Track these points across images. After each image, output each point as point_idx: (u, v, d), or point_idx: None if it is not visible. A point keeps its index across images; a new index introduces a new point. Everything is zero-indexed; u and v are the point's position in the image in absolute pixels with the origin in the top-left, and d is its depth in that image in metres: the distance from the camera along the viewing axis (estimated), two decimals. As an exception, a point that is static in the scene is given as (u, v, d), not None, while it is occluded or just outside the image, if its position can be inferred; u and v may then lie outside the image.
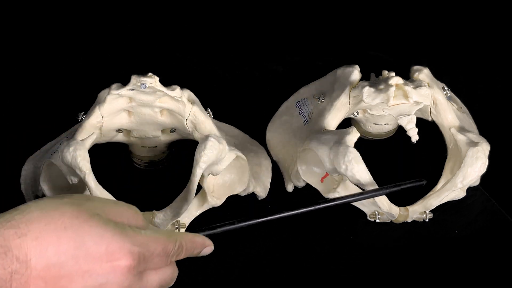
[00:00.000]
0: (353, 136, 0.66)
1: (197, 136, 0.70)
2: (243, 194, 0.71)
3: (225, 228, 0.57)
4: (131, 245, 0.46)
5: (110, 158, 0.76)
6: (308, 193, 0.73)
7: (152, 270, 0.48)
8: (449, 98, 0.75)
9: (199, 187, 0.66)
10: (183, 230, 0.68)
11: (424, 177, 0.75)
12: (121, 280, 0.45)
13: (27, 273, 0.43)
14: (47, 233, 0.44)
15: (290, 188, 0.74)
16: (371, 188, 0.65)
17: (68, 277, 0.44)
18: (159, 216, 0.65)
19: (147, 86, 0.64)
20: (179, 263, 0.52)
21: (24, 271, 0.43)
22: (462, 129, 0.72)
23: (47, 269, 0.43)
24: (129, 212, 0.50)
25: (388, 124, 0.76)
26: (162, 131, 0.72)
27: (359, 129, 0.77)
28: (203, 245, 0.53)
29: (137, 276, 0.47)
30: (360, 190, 0.69)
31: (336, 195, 0.70)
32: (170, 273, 0.50)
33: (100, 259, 0.45)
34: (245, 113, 0.85)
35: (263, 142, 0.80)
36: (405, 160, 0.79)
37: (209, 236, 0.55)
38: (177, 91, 0.66)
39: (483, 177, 0.73)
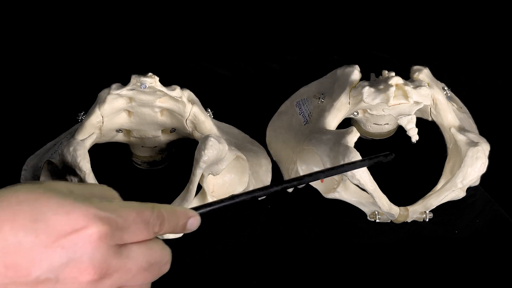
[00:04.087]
0: (353, 136, 0.66)
1: (197, 136, 0.70)
2: (243, 194, 0.71)
3: (216, 206, 0.49)
4: (97, 210, 0.40)
5: (110, 158, 0.76)
6: (308, 193, 0.73)
7: (133, 244, 0.42)
8: (449, 98, 0.75)
9: (199, 187, 0.66)
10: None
11: (424, 177, 0.75)
12: (92, 252, 0.40)
13: None
14: (1, 211, 0.39)
15: (290, 188, 0.74)
16: (370, 188, 0.65)
17: (29, 256, 0.39)
18: (159, 216, 0.65)
19: (147, 86, 0.64)
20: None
21: None
22: (462, 129, 0.72)
23: (5, 249, 0.39)
24: (98, 189, 0.45)
25: (388, 124, 0.76)
26: (162, 131, 0.72)
27: (359, 129, 0.77)
28: (186, 216, 0.46)
29: (112, 248, 0.41)
30: (361, 190, 0.69)
31: (336, 195, 0.71)
32: (159, 249, 0.44)
33: (63, 229, 0.39)
34: (245, 113, 0.85)
35: (263, 142, 0.80)
36: (405, 160, 0.79)
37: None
38: (177, 91, 0.66)
39: (483, 177, 0.73)
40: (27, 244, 0.39)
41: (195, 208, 0.47)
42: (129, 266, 0.42)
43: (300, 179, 0.52)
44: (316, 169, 0.72)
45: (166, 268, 0.45)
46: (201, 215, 0.47)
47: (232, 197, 0.49)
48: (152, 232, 0.43)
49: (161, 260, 0.44)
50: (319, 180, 0.72)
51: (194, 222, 0.46)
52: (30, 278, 0.39)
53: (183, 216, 0.46)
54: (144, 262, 0.43)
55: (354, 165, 0.56)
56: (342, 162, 0.64)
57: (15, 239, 0.39)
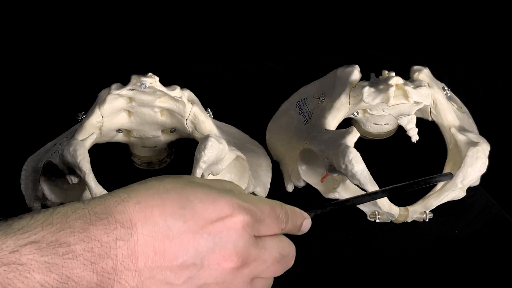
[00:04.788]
0: (353, 136, 0.66)
1: (197, 136, 0.70)
2: (243, 194, 0.71)
3: (321, 210, 0.53)
4: (240, 201, 0.42)
5: (110, 158, 0.76)
6: (308, 193, 0.73)
7: (267, 236, 0.44)
8: (449, 98, 0.75)
9: (199, 187, 0.66)
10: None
11: (424, 177, 0.75)
12: (236, 239, 0.41)
13: (133, 240, 0.40)
14: (149, 197, 0.41)
15: (290, 188, 0.74)
16: (371, 188, 0.65)
17: (178, 241, 0.40)
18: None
19: (147, 86, 0.64)
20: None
21: (129, 237, 0.40)
22: (462, 129, 0.72)
23: (154, 234, 0.40)
24: (229, 184, 0.47)
25: (388, 124, 0.76)
26: (162, 131, 0.72)
27: (359, 129, 0.77)
28: (303, 217, 0.49)
29: (252, 238, 0.43)
30: (361, 190, 0.69)
31: (336, 195, 0.71)
32: (288, 243, 0.46)
33: (210, 216, 0.41)
34: (245, 113, 0.85)
35: (263, 142, 0.80)
36: (405, 160, 0.79)
37: None
38: (177, 91, 0.66)
39: (483, 177, 0.73)
40: (176, 229, 0.40)
41: (309, 211, 0.51)
42: (265, 257, 0.44)
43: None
44: (316, 169, 0.72)
45: (292, 262, 0.47)
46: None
47: (344, 201, 0.55)
48: (281, 227, 0.46)
49: (290, 253, 0.46)
50: (319, 180, 0.72)
51: (307, 224, 0.50)
52: (177, 262, 0.41)
53: (301, 216, 0.49)
54: (277, 254, 0.45)
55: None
56: (342, 163, 0.64)
57: (164, 224, 0.40)
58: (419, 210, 0.70)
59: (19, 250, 0.38)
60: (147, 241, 0.40)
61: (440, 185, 0.71)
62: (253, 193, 0.72)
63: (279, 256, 0.45)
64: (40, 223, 0.39)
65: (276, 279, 0.65)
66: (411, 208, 0.70)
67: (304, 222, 0.49)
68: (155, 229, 0.40)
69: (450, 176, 0.65)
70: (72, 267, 0.38)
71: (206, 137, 0.63)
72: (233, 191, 0.44)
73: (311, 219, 0.51)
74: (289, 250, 0.47)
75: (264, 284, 0.46)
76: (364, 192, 0.59)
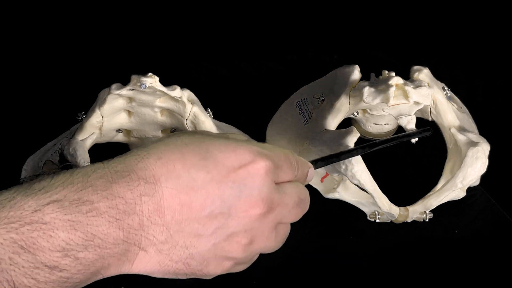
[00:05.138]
0: (353, 136, 0.66)
1: (197, 136, 0.70)
2: (243, 194, 0.71)
3: (325, 161, 0.55)
4: (259, 148, 0.42)
5: (110, 158, 0.76)
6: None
7: (285, 182, 0.45)
8: (449, 98, 0.75)
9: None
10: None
11: (424, 177, 0.75)
12: (260, 184, 0.41)
13: (158, 195, 0.39)
14: (169, 152, 0.41)
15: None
16: (370, 188, 0.65)
17: (203, 192, 0.40)
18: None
19: (147, 86, 0.64)
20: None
21: (153, 192, 0.39)
22: (462, 129, 0.72)
23: (179, 186, 0.40)
24: (242, 136, 0.48)
25: (388, 124, 0.76)
26: (162, 131, 0.72)
27: (359, 129, 0.77)
28: (308, 165, 0.49)
29: (274, 184, 0.43)
30: (361, 190, 0.69)
31: (336, 195, 0.71)
32: (303, 187, 0.47)
33: (232, 164, 0.41)
34: (245, 113, 0.85)
35: (263, 142, 0.80)
36: (405, 160, 0.79)
37: None
38: (177, 91, 0.66)
39: (483, 177, 0.73)
40: (200, 180, 0.40)
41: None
42: (286, 201, 0.44)
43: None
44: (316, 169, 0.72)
45: (307, 205, 0.48)
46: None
47: (341, 153, 0.56)
48: (294, 174, 0.46)
49: (306, 196, 0.47)
50: (319, 180, 0.72)
51: (312, 173, 0.50)
52: (204, 213, 0.40)
53: (306, 165, 0.49)
54: (296, 198, 0.45)
55: (394, 140, 0.61)
56: (342, 163, 0.64)
57: (188, 176, 0.40)
58: (419, 210, 0.70)
59: (42, 210, 0.37)
60: (172, 194, 0.40)
61: (440, 185, 0.71)
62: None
63: (298, 200, 0.45)
64: (61, 183, 0.39)
65: (275, 280, 0.65)
66: (411, 208, 0.70)
67: (309, 171, 0.49)
68: (179, 182, 0.40)
69: (429, 130, 0.65)
70: (97, 224, 0.38)
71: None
72: (250, 141, 0.44)
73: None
74: (305, 194, 0.47)
75: (286, 230, 0.46)
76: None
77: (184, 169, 0.40)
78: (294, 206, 0.45)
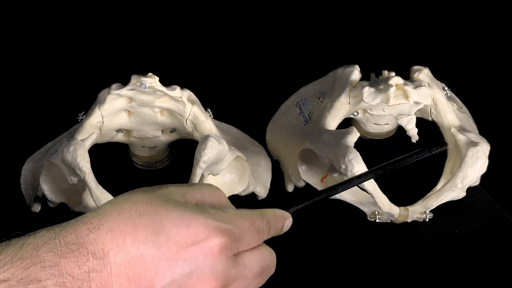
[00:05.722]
0: (353, 136, 0.66)
1: (197, 136, 0.70)
2: (243, 194, 0.71)
3: (302, 204, 0.52)
4: (216, 222, 0.40)
5: (110, 158, 0.76)
6: (308, 193, 0.72)
7: (246, 251, 0.43)
8: (449, 98, 0.75)
9: (199, 187, 0.66)
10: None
11: (424, 177, 0.75)
12: (214, 264, 0.40)
13: (106, 271, 0.38)
14: (122, 223, 0.39)
15: (290, 188, 0.74)
16: (370, 188, 0.65)
17: (152, 269, 0.39)
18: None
19: (147, 86, 0.64)
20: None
21: (102, 268, 0.38)
22: (462, 129, 0.72)
23: (128, 262, 0.39)
24: (208, 191, 0.45)
25: (388, 124, 0.76)
26: (162, 131, 0.72)
27: (359, 129, 0.77)
28: (284, 218, 0.47)
29: (231, 259, 0.41)
30: (361, 190, 0.69)
31: (336, 195, 0.71)
32: (268, 253, 0.45)
33: (184, 241, 0.39)
34: (245, 113, 0.85)
35: (263, 142, 0.80)
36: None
37: None
38: (177, 91, 0.66)
39: (483, 177, 0.73)
40: (149, 257, 0.39)
41: (286, 208, 0.49)
42: (245, 274, 0.43)
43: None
44: (316, 169, 0.72)
45: (273, 270, 0.46)
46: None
47: (319, 192, 0.53)
48: (262, 239, 0.45)
49: (271, 264, 0.45)
50: (319, 180, 0.72)
51: (288, 223, 0.48)
52: None
53: (282, 218, 0.48)
54: (258, 268, 0.44)
55: (409, 159, 0.58)
56: (342, 163, 0.64)
57: (137, 252, 0.39)
58: (419, 210, 0.70)
59: None
60: (120, 270, 0.39)
61: (440, 185, 0.71)
62: (253, 193, 0.73)
63: (260, 270, 0.44)
64: (9, 259, 0.38)
65: (275, 281, 0.65)
66: (411, 208, 0.70)
67: (285, 222, 0.48)
68: (128, 258, 0.39)
69: (444, 144, 0.60)
70: None
71: (206, 137, 0.63)
72: (208, 211, 0.42)
73: (294, 212, 0.50)
74: (270, 261, 0.45)
75: None
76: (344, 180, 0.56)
77: (134, 245, 0.39)
78: (255, 277, 0.44)
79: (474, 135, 0.70)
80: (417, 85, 0.68)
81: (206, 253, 0.40)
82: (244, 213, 0.44)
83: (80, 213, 0.48)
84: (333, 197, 0.71)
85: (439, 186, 0.71)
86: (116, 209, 0.40)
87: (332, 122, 0.72)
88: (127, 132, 0.72)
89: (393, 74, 0.70)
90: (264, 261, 0.44)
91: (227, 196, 0.68)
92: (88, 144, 0.65)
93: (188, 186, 0.45)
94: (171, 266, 0.39)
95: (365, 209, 0.71)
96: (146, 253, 0.39)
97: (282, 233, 0.48)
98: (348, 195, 0.71)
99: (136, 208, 0.40)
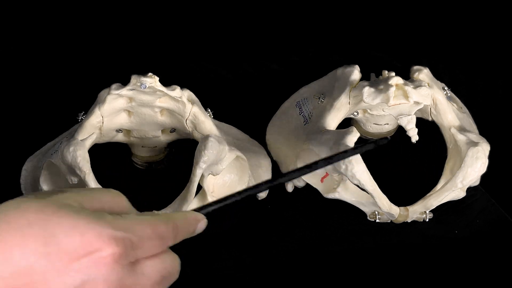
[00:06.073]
0: (353, 136, 0.66)
1: (197, 136, 0.70)
2: (243, 194, 0.71)
3: (215, 206, 0.49)
4: (111, 230, 0.38)
5: (110, 158, 0.76)
6: (308, 193, 0.73)
7: (146, 259, 0.41)
8: (449, 98, 0.75)
9: (199, 187, 0.66)
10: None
11: (424, 177, 0.75)
12: (107, 274, 0.38)
13: None
14: (10, 234, 0.37)
15: (290, 188, 0.74)
16: (370, 188, 0.65)
17: (42, 281, 0.37)
18: (159, 216, 0.65)
19: (147, 86, 0.64)
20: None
21: None
22: (462, 129, 0.72)
23: (16, 275, 0.37)
24: (108, 196, 0.43)
25: (388, 124, 0.76)
26: (162, 131, 0.72)
27: (359, 129, 0.77)
28: (197, 220, 0.45)
29: (127, 267, 0.39)
30: (361, 190, 0.69)
31: (336, 195, 0.71)
32: (170, 261, 0.43)
33: (77, 252, 0.38)
34: (245, 113, 0.85)
35: (263, 142, 0.80)
36: (405, 160, 0.79)
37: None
38: (177, 91, 0.66)
39: (483, 177, 0.73)
40: (39, 269, 0.37)
41: (200, 209, 0.47)
42: (143, 283, 0.41)
43: (299, 170, 0.51)
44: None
45: (175, 277, 0.44)
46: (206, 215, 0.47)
47: (233, 195, 0.50)
48: (167, 245, 0.42)
49: (173, 272, 0.43)
50: (319, 180, 0.72)
51: (202, 225, 0.46)
52: None
53: (194, 221, 0.45)
54: (157, 277, 0.42)
55: (349, 153, 0.55)
56: (342, 163, 0.64)
57: (26, 264, 0.37)
58: (419, 210, 0.70)
59: None
60: (8, 284, 0.37)
61: (440, 185, 0.71)
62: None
63: (160, 278, 0.42)
64: None
65: (275, 280, 0.65)
66: (411, 208, 0.70)
67: (198, 225, 0.46)
68: (17, 270, 0.37)
69: (385, 140, 0.57)
70: None
71: (206, 137, 0.63)
72: (104, 218, 0.40)
73: (211, 212, 0.48)
74: (172, 269, 0.43)
75: None
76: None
77: (22, 257, 0.37)
78: (154, 286, 0.42)
79: (474, 135, 0.70)
80: (417, 85, 0.68)
81: (99, 263, 0.38)
82: (146, 219, 0.41)
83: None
84: (333, 197, 0.71)
85: (439, 186, 0.71)
86: (4, 218, 0.38)
87: (332, 122, 0.72)
88: (127, 132, 0.72)
89: (393, 74, 0.70)
90: (165, 269, 0.42)
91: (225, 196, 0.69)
92: (88, 144, 0.65)
93: (85, 191, 0.43)
94: (62, 278, 0.38)
95: (365, 209, 0.71)
96: (36, 265, 0.37)
97: (195, 235, 0.46)
98: (348, 195, 0.71)
99: (26, 217, 0.38)
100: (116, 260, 0.38)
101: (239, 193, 0.49)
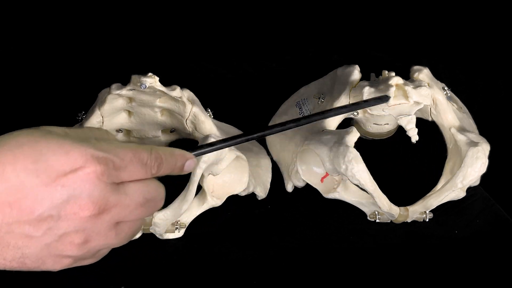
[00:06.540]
0: (353, 136, 0.66)
1: (197, 136, 0.70)
2: (243, 194, 0.71)
3: (208, 148, 0.53)
4: (94, 150, 0.42)
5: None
6: (308, 193, 0.73)
7: (130, 182, 0.45)
8: (449, 98, 0.75)
9: (199, 187, 0.66)
10: (183, 230, 0.68)
11: (424, 177, 0.75)
12: (91, 189, 0.42)
13: None
14: (2, 155, 0.41)
15: (290, 188, 0.74)
16: (370, 188, 0.65)
17: (32, 195, 0.41)
18: (159, 216, 0.65)
19: (147, 86, 0.64)
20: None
21: None
22: (462, 129, 0.72)
23: (8, 190, 0.41)
24: (95, 131, 0.47)
25: (388, 124, 0.76)
26: (162, 131, 0.72)
27: (359, 129, 0.77)
28: (184, 157, 0.49)
29: (110, 185, 0.43)
30: (361, 190, 0.69)
31: (336, 195, 0.71)
32: (154, 186, 0.47)
33: (63, 169, 0.42)
34: (245, 113, 0.85)
35: (263, 142, 0.80)
36: (405, 160, 0.79)
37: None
38: (177, 91, 0.66)
39: (483, 177, 0.73)
40: (29, 184, 0.41)
41: (193, 150, 0.50)
42: (127, 202, 0.45)
43: (296, 121, 0.56)
44: (316, 169, 0.72)
45: (160, 204, 0.47)
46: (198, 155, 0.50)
47: (231, 138, 0.53)
48: (150, 173, 0.46)
49: (156, 196, 0.47)
50: (319, 180, 0.72)
51: (191, 164, 0.49)
52: (33, 216, 0.42)
53: (181, 157, 0.49)
54: (141, 199, 0.45)
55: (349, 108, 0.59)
56: (342, 163, 0.64)
57: (17, 180, 0.41)
58: (419, 210, 0.70)
59: None
60: (1, 197, 0.41)
61: (440, 185, 0.71)
62: (253, 193, 0.73)
63: (143, 200, 0.45)
64: None
65: (275, 280, 0.65)
66: (411, 208, 0.70)
67: (186, 162, 0.49)
68: (9, 186, 0.41)
69: (386, 98, 0.63)
70: None
71: (206, 137, 0.63)
72: (89, 140, 0.44)
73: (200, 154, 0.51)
74: (156, 193, 0.47)
75: (131, 226, 0.46)
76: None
77: (13, 173, 0.41)
78: (137, 207, 0.45)
79: (474, 135, 0.70)
80: (417, 85, 0.68)
81: (84, 179, 0.42)
82: (129, 146, 0.45)
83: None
84: (333, 197, 0.71)
85: (439, 186, 0.71)
86: None
87: (332, 122, 0.72)
88: (127, 132, 0.72)
89: (393, 74, 0.70)
90: (148, 192, 0.46)
91: (226, 196, 0.69)
92: (88, 144, 0.65)
93: (75, 127, 0.47)
94: (49, 192, 0.41)
95: (365, 209, 0.71)
96: (26, 180, 0.41)
97: (183, 173, 0.49)
98: (348, 195, 0.71)
99: (16, 140, 0.42)
100: (99, 177, 0.42)
101: (224, 140, 0.53)
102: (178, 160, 0.48)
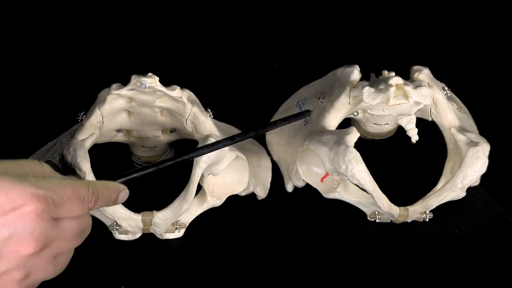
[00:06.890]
0: (353, 136, 0.66)
1: (197, 136, 0.70)
2: (243, 194, 0.71)
3: (138, 173, 0.54)
4: (34, 189, 0.43)
5: (110, 158, 0.76)
6: (308, 193, 0.73)
7: (69, 218, 0.45)
8: (449, 98, 0.75)
9: (199, 187, 0.66)
10: (183, 230, 0.68)
11: (424, 177, 0.75)
12: (32, 227, 0.42)
13: None
14: None
15: (290, 188, 0.74)
16: (370, 188, 0.65)
17: None
18: (159, 216, 0.65)
19: (147, 86, 0.64)
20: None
21: None
22: (462, 129, 0.72)
23: None
24: (31, 164, 0.47)
25: (388, 124, 0.76)
26: (162, 131, 0.72)
27: (359, 129, 0.77)
28: (118, 190, 0.50)
29: (50, 222, 0.44)
30: (361, 190, 0.69)
31: (336, 195, 0.71)
32: (85, 218, 0.48)
33: (3, 208, 0.42)
34: (245, 113, 0.85)
35: (263, 142, 0.80)
36: (405, 160, 0.79)
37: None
38: (177, 91, 0.66)
39: (483, 177, 0.73)
40: None
41: (124, 175, 0.52)
42: (65, 235, 0.45)
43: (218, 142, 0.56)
44: (316, 169, 0.72)
45: (89, 230, 0.48)
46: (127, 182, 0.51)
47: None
48: (87, 208, 0.47)
49: (89, 224, 0.48)
50: (319, 180, 0.72)
51: (124, 195, 0.50)
52: None
53: (115, 191, 0.50)
54: (77, 230, 0.46)
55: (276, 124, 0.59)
56: (342, 163, 0.64)
57: None
58: (419, 210, 0.70)
59: None
60: None
61: (440, 185, 0.71)
62: (253, 193, 0.73)
63: (79, 231, 0.46)
64: None
65: (276, 280, 0.65)
66: (411, 208, 0.70)
67: (119, 195, 0.50)
68: None
69: (308, 113, 0.64)
70: None
71: (206, 137, 0.63)
72: (27, 179, 0.44)
73: (133, 179, 0.52)
74: (88, 222, 0.48)
75: (68, 256, 0.47)
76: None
77: None
78: (74, 238, 0.46)
79: (474, 135, 0.70)
80: (417, 85, 0.68)
81: (24, 217, 0.42)
82: (67, 182, 0.46)
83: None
84: (333, 197, 0.71)
85: (439, 186, 0.71)
86: None
87: (332, 122, 0.72)
88: (127, 132, 0.72)
89: (393, 74, 0.70)
90: (82, 223, 0.47)
91: (226, 196, 0.69)
92: (88, 144, 0.65)
93: (9, 160, 0.47)
94: None
95: (365, 209, 0.71)
96: None
97: (117, 204, 0.50)
98: (348, 195, 0.71)
99: None
100: (39, 215, 0.43)
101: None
102: (112, 194, 0.50)
